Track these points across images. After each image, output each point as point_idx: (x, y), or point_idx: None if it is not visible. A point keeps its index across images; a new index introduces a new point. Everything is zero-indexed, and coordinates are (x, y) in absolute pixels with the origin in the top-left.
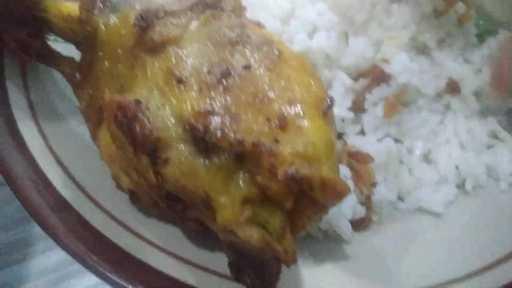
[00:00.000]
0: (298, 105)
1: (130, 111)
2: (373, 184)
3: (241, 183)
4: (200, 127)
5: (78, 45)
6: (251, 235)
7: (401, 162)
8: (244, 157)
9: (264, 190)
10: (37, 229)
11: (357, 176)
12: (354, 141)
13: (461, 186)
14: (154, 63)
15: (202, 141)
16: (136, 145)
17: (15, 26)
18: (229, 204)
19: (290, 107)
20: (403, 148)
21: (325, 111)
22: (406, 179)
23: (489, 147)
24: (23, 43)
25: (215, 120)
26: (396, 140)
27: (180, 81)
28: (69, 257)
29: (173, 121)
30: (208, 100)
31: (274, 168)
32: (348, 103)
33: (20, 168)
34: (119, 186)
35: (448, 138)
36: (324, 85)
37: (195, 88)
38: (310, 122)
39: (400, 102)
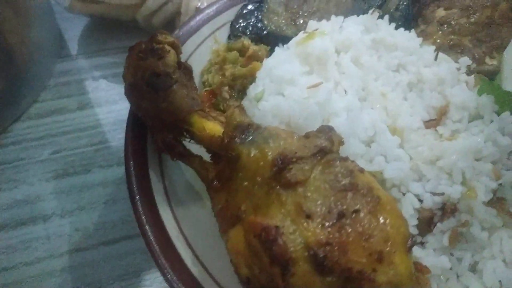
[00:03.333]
0: (391, 243)
1: (271, 234)
2: None
3: None
4: (321, 253)
5: (210, 153)
6: None
7: (450, 268)
8: (350, 279)
9: None
10: None
11: (416, 281)
12: (415, 251)
13: None
14: (288, 197)
15: (320, 263)
16: (272, 259)
17: (165, 132)
18: None
19: (385, 244)
20: (453, 258)
21: (409, 248)
22: (454, 285)
23: None
24: (168, 145)
25: (332, 250)
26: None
27: (308, 216)
28: None
29: (301, 246)
30: (327, 234)
31: None
32: (415, 222)
33: (161, 245)
34: (236, 271)
35: (493, 254)
36: (408, 225)
37: (318, 223)
38: (399, 257)
39: (460, 233)
